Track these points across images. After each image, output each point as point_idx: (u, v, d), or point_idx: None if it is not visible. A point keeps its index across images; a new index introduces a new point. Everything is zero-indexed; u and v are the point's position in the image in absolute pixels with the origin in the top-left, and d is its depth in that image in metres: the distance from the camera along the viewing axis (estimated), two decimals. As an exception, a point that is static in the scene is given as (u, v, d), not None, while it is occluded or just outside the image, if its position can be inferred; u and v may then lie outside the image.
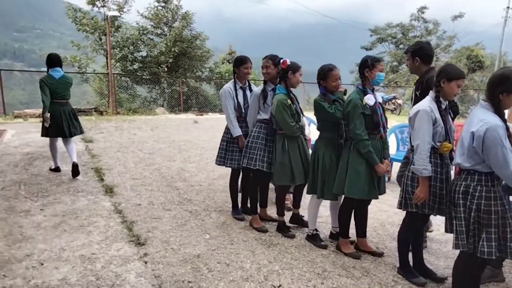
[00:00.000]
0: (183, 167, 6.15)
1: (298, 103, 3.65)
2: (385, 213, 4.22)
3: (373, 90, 3.11)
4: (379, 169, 3.01)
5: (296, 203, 3.89)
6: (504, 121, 2.31)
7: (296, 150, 3.49)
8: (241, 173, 4.10)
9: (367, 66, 3.04)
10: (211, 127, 10.83)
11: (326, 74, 3.24)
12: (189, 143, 8.13)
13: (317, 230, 3.53)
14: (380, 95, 3.14)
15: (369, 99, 2.99)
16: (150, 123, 10.67)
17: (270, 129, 3.60)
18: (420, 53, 3.37)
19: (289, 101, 3.41)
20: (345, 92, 3.25)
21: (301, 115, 3.62)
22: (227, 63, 18.01)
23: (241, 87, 3.92)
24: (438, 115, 2.65)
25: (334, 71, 3.22)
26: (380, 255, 3.28)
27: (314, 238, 3.49)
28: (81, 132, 5.37)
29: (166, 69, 15.29)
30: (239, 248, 3.34)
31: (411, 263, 2.96)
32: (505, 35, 26.17)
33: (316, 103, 3.25)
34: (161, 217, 3.98)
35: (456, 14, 26.30)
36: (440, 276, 2.89)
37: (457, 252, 3.43)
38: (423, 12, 26.51)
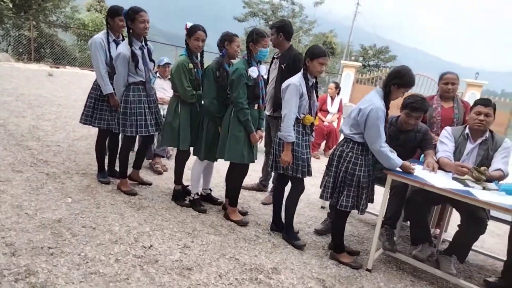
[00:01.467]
0: (36, 124, 5.42)
1: (201, 70, 3.46)
2: (249, 177, 4.58)
3: (258, 63, 3.24)
4: (253, 138, 3.22)
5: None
6: (387, 108, 2.78)
7: (187, 116, 3.41)
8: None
9: (252, 39, 3.13)
10: (70, 82, 9.69)
11: (232, 38, 3.24)
12: (42, 98, 7.13)
13: (198, 195, 3.60)
14: (264, 68, 3.31)
15: (253, 72, 3.11)
16: (-11, 70, 8.92)
17: (148, 89, 3.48)
18: (283, 29, 3.72)
19: (191, 65, 3.31)
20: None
21: (201, 83, 3.48)
22: (95, 12, 16.05)
23: (114, 40, 3.61)
24: (305, 90, 2.96)
25: (238, 38, 3.28)
26: (245, 214, 3.59)
27: (194, 203, 3.55)
28: None
29: (11, 6, 12.74)
30: (107, 211, 3.21)
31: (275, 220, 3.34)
32: (353, 28, 30.01)
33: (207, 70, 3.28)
34: (11, 179, 3.49)
35: (317, 0, 28.89)
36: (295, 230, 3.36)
37: (308, 210, 4.02)
38: (290, -6, 28.28)
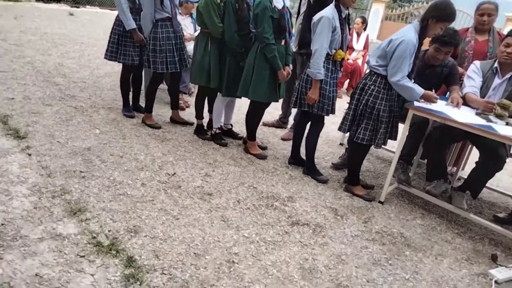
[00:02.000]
0: (62, 62, 5.55)
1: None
2: (269, 114, 4.64)
3: None
4: (281, 75, 3.17)
5: (210, 107, 3.83)
6: (421, 44, 2.65)
7: (217, 53, 3.37)
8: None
9: None
10: (90, 21, 9.69)
11: None
12: (65, 37, 7.21)
13: (219, 129, 3.68)
14: (288, 0, 3.20)
15: (277, 2, 3.01)
16: (13, 10, 8.97)
17: (175, 25, 3.50)
18: None
19: (218, 0, 3.24)
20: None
21: None
22: None
23: None
24: (338, 24, 2.82)
25: None
26: (264, 148, 3.70)
27: (216, 136, 3.67)
28: None
29: None
30: (132, 142, 3.38)
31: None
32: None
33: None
34: (42, 112, 3.68)
35: None
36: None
37: (326, 147, 4.09)
38: None
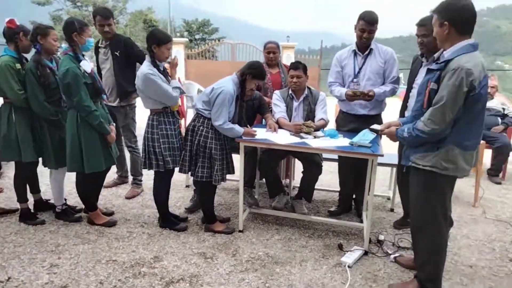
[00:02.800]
0: None
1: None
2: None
3: (83, 56, 3.02)
4: (110, 139, 3.05)
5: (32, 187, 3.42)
6: (241, 94, 3.01)
7: (25, 122, 3.00)
8: None
9: (75, 30, 2.85)
10: None
11: (46, 31, 2.93)
12: None
13: (66, 204, 3.32)
14: (89, 61, 3.09)
15: (85, 66, 2.88)
16: None
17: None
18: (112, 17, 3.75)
19: (18, 65, 2.89)
20: None
21: None
22: None
23: None
24: (161, 79, 2.92)
25: (54, 30, 3.01)
26: (110, 214, 3.44)
27: (66, 213, 3.28)
28: None
29: None
30: None
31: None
32: (172, 2, 29.54)
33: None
34: None
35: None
36: (182, 217, 3.43)
37: (174, 193, 4.09)
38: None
